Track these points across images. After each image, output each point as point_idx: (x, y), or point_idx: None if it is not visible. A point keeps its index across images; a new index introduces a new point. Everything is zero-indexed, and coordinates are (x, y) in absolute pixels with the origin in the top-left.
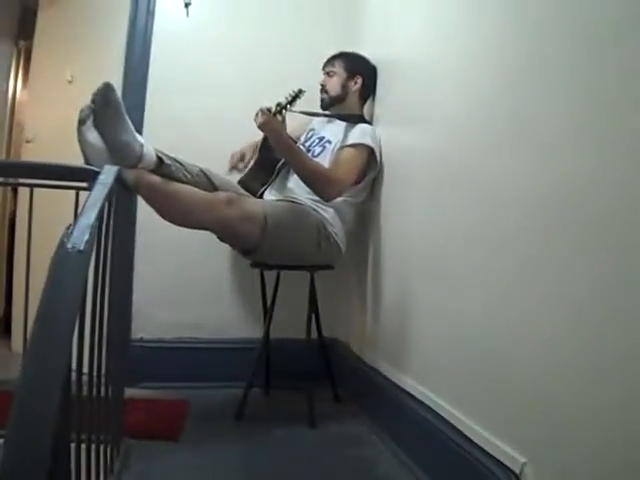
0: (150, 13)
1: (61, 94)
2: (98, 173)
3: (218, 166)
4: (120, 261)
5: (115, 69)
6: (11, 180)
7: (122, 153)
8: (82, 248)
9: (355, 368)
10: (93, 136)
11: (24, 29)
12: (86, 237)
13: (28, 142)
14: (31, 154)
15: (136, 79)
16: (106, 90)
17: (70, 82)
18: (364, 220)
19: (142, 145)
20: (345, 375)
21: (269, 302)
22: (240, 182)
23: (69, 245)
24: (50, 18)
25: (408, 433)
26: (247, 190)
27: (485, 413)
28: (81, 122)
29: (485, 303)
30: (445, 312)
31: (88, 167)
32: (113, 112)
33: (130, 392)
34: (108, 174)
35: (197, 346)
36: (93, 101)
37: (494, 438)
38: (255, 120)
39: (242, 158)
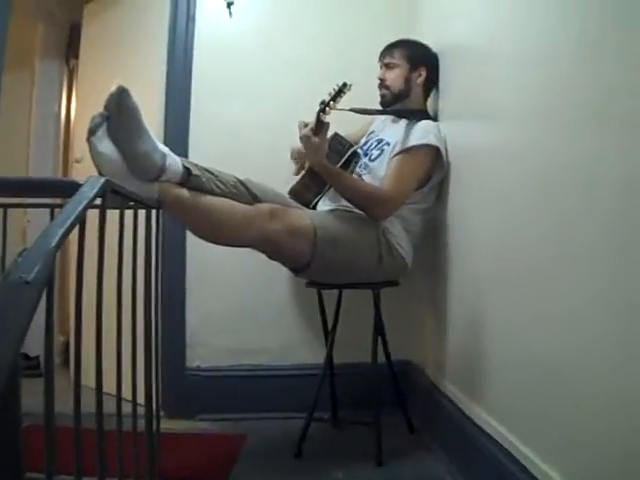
0: (190, 18)
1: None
2: (79, 186)
3: (270, 176)
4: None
5: (158, 79)
6: None
7: (141, 165)
8: (30, 279)
9: (429, 395)
10: (107, 147)
11: (74, 47)
12: (38, 266)
13: (77, 162)
14: (80, 174)
15: (179, 88)
16: (120, 95)
17: None
18: (432, 228)
19: (164, 155)
20: (420, 402)
21: (331, 323)
22: (291, 193)
23: (16, 275)
24: (93, 34)
25: (482, 476)
26: (300, 202)
27: (569, 462)
28: (91, 132)
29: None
30: (514, 333)
31: (66, 179)
32: (129, 119)
33: (185, 425)
34: (90, 186)
35: (256, 374)
36: (106, 108)
37: None
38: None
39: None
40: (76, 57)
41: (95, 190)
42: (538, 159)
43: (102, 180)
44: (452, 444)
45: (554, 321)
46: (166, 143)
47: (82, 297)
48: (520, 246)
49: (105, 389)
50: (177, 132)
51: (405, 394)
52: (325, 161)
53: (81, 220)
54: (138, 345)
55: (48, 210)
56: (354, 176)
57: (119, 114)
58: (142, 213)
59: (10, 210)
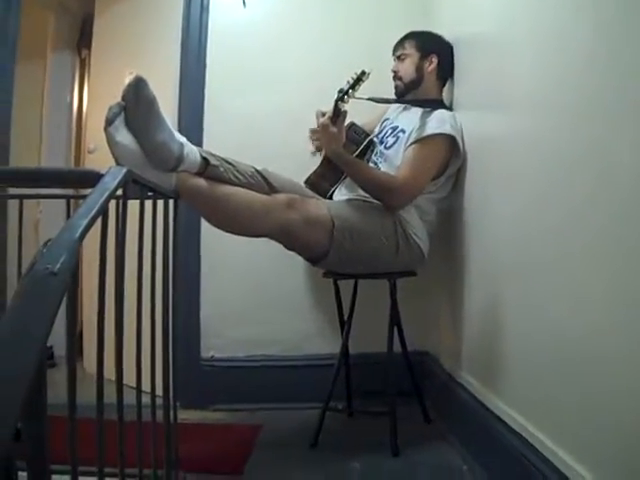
0: (204, 8)
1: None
2: (101, 176)
3: (285, 166)
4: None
5: (172, 70)
6: None
7: (159, 155)
8: (56, 269)
9: (445, 385)
10: (125, 137)
11: (86, 38)
12: (64, 257)
13: (90, 153)
14: (93, 165)
15: (193, 78)
16: (137, 85)
17: None
18: (448, 217)
19: (182, 145)
20: (435, 392)
21: (347, 314)
22: (307, 183)
23: (41, 266)
24: (106, 24)
25: (501, 467)
26: (316, 191)
27: (591, 452)
28: (108, 122)
29: (594, 317)
30: (537, 322)
31: (86, 169)
32: (146, 109)
33: (200, 415)
34: (112, 176)
35: (271, 364)
36: (123, 98)
37: None
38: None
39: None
40: (88, 48)
41: (117, 180)
42: (557, 147)
43: (124, 170)
44: (469, 434)
45: (578, 309)
46: (180, 134)
47: (105, 289)
48: (541, 234)
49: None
50: (191, 123)
51: (420, 384)
52: (341, 150)
53: (104, 211)
54: (157, 336)
55: (60, 201)
56: (370, 165)
57: (136, 104)
58: (159, 204)
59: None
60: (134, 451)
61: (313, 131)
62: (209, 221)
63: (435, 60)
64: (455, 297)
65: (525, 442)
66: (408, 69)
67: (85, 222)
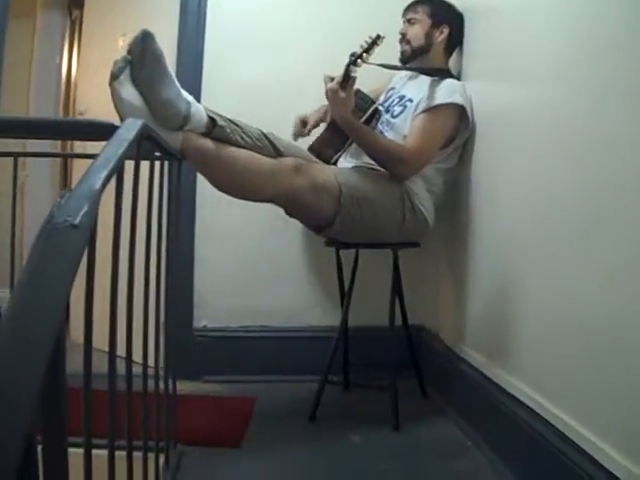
0: None
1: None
2: (116, 128)
3: (288, 135)
4: (168, 240)
5: (169, 35)
6: None
7: (164, 112)
8: (77, 222)
9: (445, 360)
10: (129, 93)
11: None
12: (84, 208)
13: (81, 115)
14: None
15: (192, 45)
16: (144, 39)
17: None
18: (455, 189)
19: (189, 103)
20: (433, 368)
21: (347, 285)
22: (311, 149)
23: (59, 218)
24: None
25: (509, 440)
26: (319, 158)
27: (610, 424)
28: (113, 76)
29: (611, 286)
30: (554, 297)
31: (102, 121)
32: (153, 64)
33: (190, 386)
34: (129, 128)
35: (266, 335)
36: (129, 52)
37: (620, 456)
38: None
39: (304, 124)
40: (79, 8)
41: (135, 132)
42: (575, 120)
43: (140, 122)
44: (473, 409)
45: (594, 284)
46: None
47: (119, 251)
48: (557, 209)
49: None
50: (189, 88)
51: (417, 358)
52: (351, 116)
53: (120, 166)
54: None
55: (45, 166)
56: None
57: (143, 59)
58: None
59: (9, 163)
60: (137, 423)
61: (298, 120)
62: (213, 184)
63: (446, 31)
64: (458, 271)
65: (536, 415)
66: (418, 34)
67: (104, 173)
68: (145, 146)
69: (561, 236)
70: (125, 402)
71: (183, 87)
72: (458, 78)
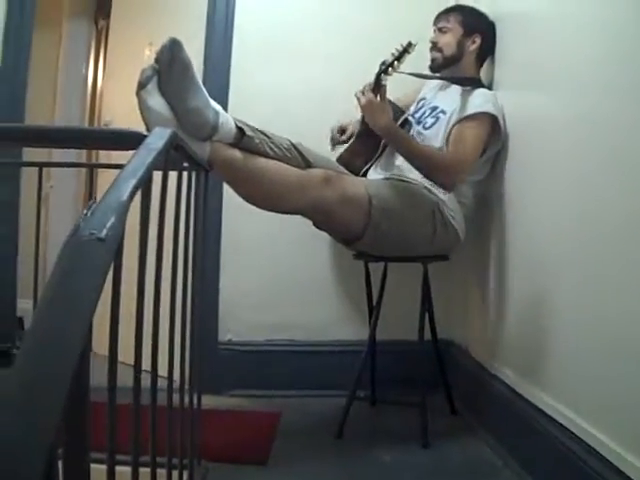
0: None
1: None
2: (144, 137)
3: (316, 146)
4: (195, 253)
5: (196, 42)
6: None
7: (192, 122)
8: (103, 235)
9: (474, 376)
10: (157, 102)
11: (104, 7)
12: (111, 220)
13: (106, 125)
14: None
15: (219, 51)
16: (172, 47)
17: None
18: (485, 202)
19: (217, 113)
20: (462, 383)
21: (375, 299)
22: (340, 159)
23: (85, 231)
24: None
25: (541, 459)
26: (348, 169)
27: None
28: (141, 85)
29: None
30: (589, 314)
31: (130, 130)
32: (181, 73)
33: (215, 401)
34: (158, 137)
35: (292, 349)
36: (157, 60)
37: None
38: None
39: (342, 131)
40: (105, 18)
41: (163, 141)
42: (618, 135)
43: (169, 131)
44: (504, 427)
45: (633, 302)
46: None
47: (145, 264)
48: (597, 226)
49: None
50: (216, 98)
51: (448, 375)
52: (393, 123)
53: (149, 176)
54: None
55: (70, 176)
56: None
57: (171, 67)
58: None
59: (34, 173)
60: (161, 439)
61: (335, 129)
62: (241, 195)
63: (478, 40)
64: (488, 286)
65: (574, 436)
66: (450, 43)
67: (133, 183)
68: (173, 156)
69: (600, 255)
70: (149, 417)
71: (210, 96)
72: (490, 88)
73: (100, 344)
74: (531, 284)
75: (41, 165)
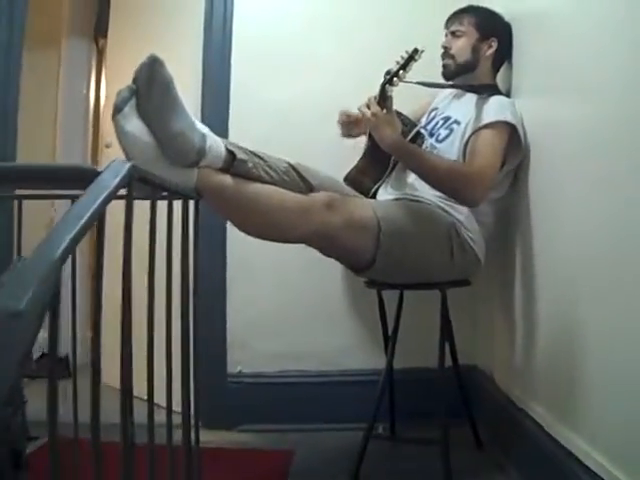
0: None
1: None
2: (97, 174)
3: (319, 163)
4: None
5: (195, 55)
6: None
7: (176, 147)
8: (21, 308)
9: (501, 407)
10: (136, 127)
11: (104, 26)
12: (32, 289)
13: (107, 147)
14: (111, 160)
15: (218, 64)
16: (152, 65)
17: None
18: (506, 219)
19: (204, 136)
20: (488, 413)
21: (391, 328)
22: (347, 179)
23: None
24: (122, 8)
25: None
26: (356, 189)
27: None
28: (117, 109)
29: None
30: (626, 348)
31: (80, 166)
32: (162, 93)
33: (224, 436)
34: (111, 173)
35: (305, 380)
36: (135, 80)
37: None
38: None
39: (349, 117)
40: (104, 36)
41: (118, 179)
42: None
43: (127, 166)
44: (533, 467)
45: None
46: (203, 124)
47: (101, 308)
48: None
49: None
50: (216, 113)
51: (470, 402)
52: (401, 138)
53: (100, 217)
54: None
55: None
56: None
57: (150, 87)
58: (176, 205)
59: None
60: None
61: (344, 114)
62: (236, 225)
63: (495, 45)
64: (513, 310)
65: None
66: (464, 48)
67: (69, 237)
68: (144, 188)
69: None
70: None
71: (209, 114)
72: (507, 95)
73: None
74: (562, 309)
75: (20, 198)
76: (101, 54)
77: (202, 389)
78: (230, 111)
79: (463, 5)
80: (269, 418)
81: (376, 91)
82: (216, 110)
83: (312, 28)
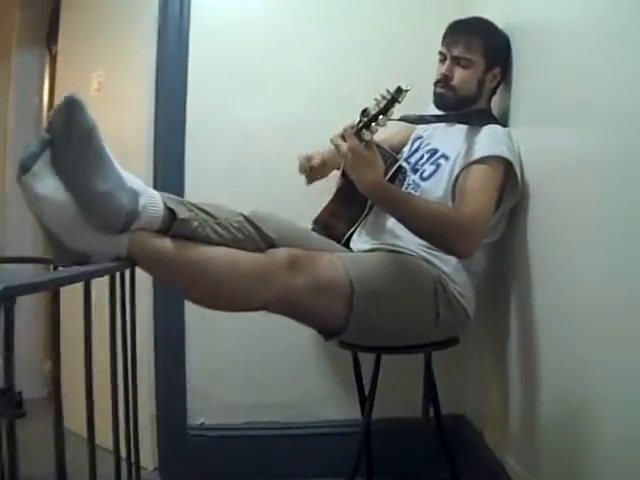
0: None
1: (89, 105)
2: None
3: (287, 188)
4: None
5: (147, 69)
6: None
7: (101, 210)
8: None
9: (491, 473)
10: (50, 187)
11: (55, 31)
12: None
13: None
14: None
15: (172, 79)
16: (69, 109)
17: (98, 90)
18: (500, 265)
19: (136, 193)
20: (472, 470)
21: (368, 387)
22: (317, 223)
23: None
24: (73, 17)
25: None
26: (327, 235)
27: None
28: (23, 168)
29: None
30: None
31: None
32: (82, 144)
33: None
34: None
35: (275, 433)
36: (49, 129)
37: None
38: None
39: (309, 160)
40: (57, 43)
41: None
42: None
43: None
44: None
45: None
46: (156, 150)
47: None
48: None
49: None
50: (170, 134)
51: (454, 454)
52: (385, 182)
53: None
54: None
55: None
56: None
57: (68, 137)
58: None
59: None
60: None
61: (303, 158)
62: (185, 295)
63: (499, 75)
64: (507, 360)
65: None
66: (469, 82)
67: None
68: None
69: None
70: None
71: (163, 138)
72: (503, 121)
73: None
74: (559, 372)
75: None
76: (55, 62)
77: (160, 444)
78: (186, 136)
79: (447, 17)
80: (236, 476)
81: (354, 117)
82: (170, 132)
83: (281, 38)
